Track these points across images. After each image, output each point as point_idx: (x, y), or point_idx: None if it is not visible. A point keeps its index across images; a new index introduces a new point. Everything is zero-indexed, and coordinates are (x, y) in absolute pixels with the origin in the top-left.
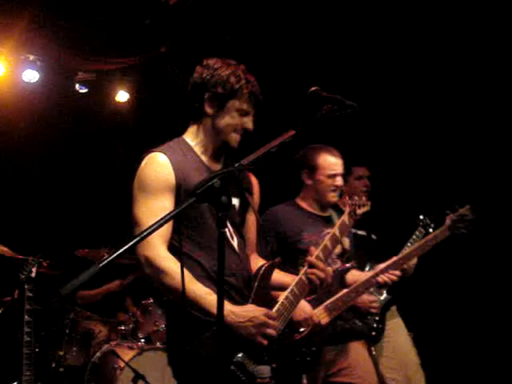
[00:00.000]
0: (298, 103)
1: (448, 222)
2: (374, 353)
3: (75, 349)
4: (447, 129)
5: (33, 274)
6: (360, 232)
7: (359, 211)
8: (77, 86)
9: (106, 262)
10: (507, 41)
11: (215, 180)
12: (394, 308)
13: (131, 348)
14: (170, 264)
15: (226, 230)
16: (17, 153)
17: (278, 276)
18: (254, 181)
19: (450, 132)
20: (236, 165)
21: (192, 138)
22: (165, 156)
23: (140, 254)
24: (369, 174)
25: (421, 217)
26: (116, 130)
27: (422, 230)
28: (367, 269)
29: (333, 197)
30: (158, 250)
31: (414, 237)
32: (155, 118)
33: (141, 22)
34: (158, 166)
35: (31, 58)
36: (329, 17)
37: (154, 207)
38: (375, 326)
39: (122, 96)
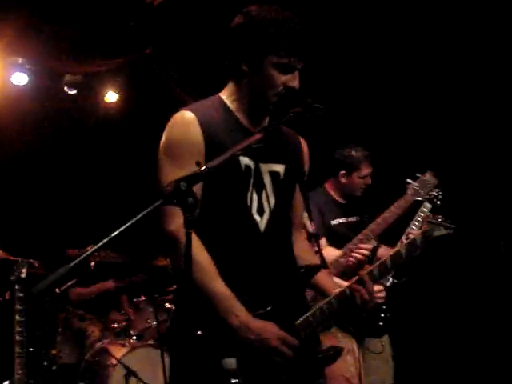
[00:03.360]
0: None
1: (410, 190)
2: (382, 344)
3: (68, 347)
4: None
5: (23, 275)
6: (351, 218)
7: (437, 234)
8: (65, 87)
9: (75, 262)
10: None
11: (182, 183)
12: None
13: (123, 345)
14: (196, 252)
15: (255, 201)
16: (6, 155)
17: (322, 278)
18: (305, 146)
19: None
20: (202, 168)
21: (228, 95)
22: (192, 114)
23: (163, 229)
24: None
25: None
26: (106, 130)
27: (429, 206)
28: None
29: (361, 193)
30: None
31: (420, 213)
32: (144, 117)
33: (126, 23)
34: (184, 126)
35: (20, 60)
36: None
37: (181, 174)
38: (382, 315)
39: (111, 96)
